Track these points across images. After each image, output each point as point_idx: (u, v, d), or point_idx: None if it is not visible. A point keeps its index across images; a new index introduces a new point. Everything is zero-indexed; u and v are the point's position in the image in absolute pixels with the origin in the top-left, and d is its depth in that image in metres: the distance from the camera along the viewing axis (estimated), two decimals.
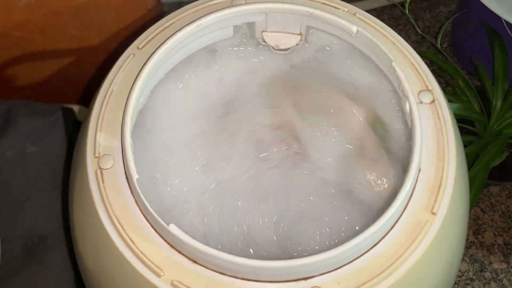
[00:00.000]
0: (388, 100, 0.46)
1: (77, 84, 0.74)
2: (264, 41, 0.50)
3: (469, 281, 0.75)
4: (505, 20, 0.74)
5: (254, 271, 0.35)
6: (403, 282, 0.36)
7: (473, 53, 0.83)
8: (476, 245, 0.77)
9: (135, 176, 0.37)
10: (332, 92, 0.51)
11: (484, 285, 0.74)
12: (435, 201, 0.39)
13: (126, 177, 0.39)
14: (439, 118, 0.42)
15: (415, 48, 0.47)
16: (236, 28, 0.48)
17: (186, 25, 0.44)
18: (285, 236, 0.46)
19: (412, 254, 0.37)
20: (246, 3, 0.46)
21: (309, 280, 0.36)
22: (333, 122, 0.51)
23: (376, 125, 0.48)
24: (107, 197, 0.38)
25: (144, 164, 0.43)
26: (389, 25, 0.48)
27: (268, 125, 0.54)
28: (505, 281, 0.74)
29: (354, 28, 0.44)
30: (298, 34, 0.49)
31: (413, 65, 0.45)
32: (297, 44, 0.50)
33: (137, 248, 0.36)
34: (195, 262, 0.36)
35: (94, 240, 0.40)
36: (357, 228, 0.45)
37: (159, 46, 0.43)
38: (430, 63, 0.76)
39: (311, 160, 0.52)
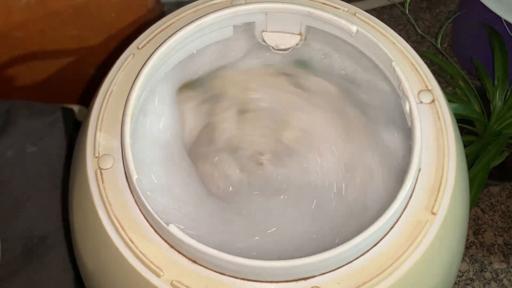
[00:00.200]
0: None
1: (77, 84, 0.74)
2: (264, 41, 0.50)
3: (469, 281, 0.75)
4: (505, 20, 0.74)
5: (254, 271, 0.35)
6: (403, 282, 0.36)
7: (473, 53, 0.83)
8: (476, 245, 0.77)
9: (135, 176, 0.37)
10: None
11: (484, 285, 0.74)
12: (435, 201, 0.39)
13: (126, 177, 0.39)
14: (439, 118, 0.42)
15: (415, 48, 0.47)
16: None
17: (186, 25, 0.44)
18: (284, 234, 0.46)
19: (412, 254, 0.37)
20: (246, 3, 0.46)
21: (309, 280, 0.36)
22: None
23: None
24: (107, 197, 0.38)
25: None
26: (389, 25, 0.48)
27: None
28: (505, 281, 0.74)
29: (354, 28, 0.44)
30: (298, 34, 0.49)
31: (413, 65, 0.45)
32: (297, 44, 0.50)
33: (137, 248, 0.36)
34: (195, 262, 0.36)
35: (94, 240, 0.40)
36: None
37: (159, 46, 0.43)
38: (430, 63, 0.76)
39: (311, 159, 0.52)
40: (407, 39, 0.96)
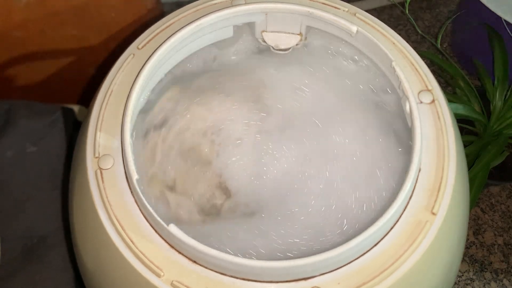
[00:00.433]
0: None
1: (77, 84, 0.74)
2: (264, 41, 0.50)
3: (469, 281, 0.75)
4: (505, 20, 0.74)
5: (254, 271, 0.35)
6: (403, 282, 0.36)
7: (473, 53, 0.83)
8: (476, 245, 0.77)
9: (135, 176, 0.37)
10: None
11: (484, 285, 0.74)
12: (435, 201, 0.39)
13: (126, 177, 0.39)
14: (439, 118, 0.42)
15: (415, 48, 0.47)
16: None
17: (186, 25, 0.44)
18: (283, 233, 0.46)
19: (412, 254, 0.37)
20: (246, 3, 0.46)
21: (309, 280, 0.36)
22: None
23: None
24: (107, 197, 0.38)
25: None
26: (389, 25, 0.48)
27: None
28: (505, 281, 0.74)
29: (354, 28, 0.44)
30: (298, 34, 0.49)
31: (413, 65, 0.45)
32: (297, 44, 0.50)
33: (137, 248, 0.36)
34: (195, 262, 0.36)
35: (94, 240, 0.40)
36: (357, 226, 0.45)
37: (159, 46, 0.43)
38: (430, 63, 0.76)
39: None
40: (407, 39, 0.96)
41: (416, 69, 0.45)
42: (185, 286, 0.35)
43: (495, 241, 0.78)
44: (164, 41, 0.43)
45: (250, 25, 0.49)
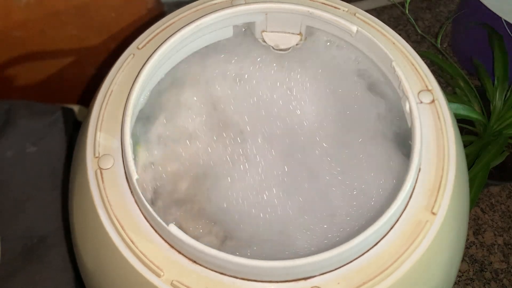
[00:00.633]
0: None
1: (77, 84, 0.74)
2: (264, 41, 0.50)
3: (469, 281, 0.75)
4: (505, 20, 0.74)
5: (254, 271, 0.35)
6: (403, 282, 0.36)
7: (473, 53, 0.83)
8: (476, 245, 0.77)
9: (135, 176, 0.37)
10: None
11: (484, 285, 0.74)
12: (435, 201, 0.39)
13: (126, 177, 0.39)
14: (439, 118, 0.42)
15: (415, 48, 0.47)
16: None
17: (186, 25, 0.44)
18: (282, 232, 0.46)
19: (412, 254, 0.37)
20: (246, 3, 0.46)
21: (309, 280, 0.36)
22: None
23: None
24: (107, 197, 0.38)
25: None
26: (389, 25, 0.48)
27: None
28: (505, 281, 0.74)
29: (354, 28, 0.44)
30: (298, 34, 0.49)
31: (413, 65, 0.45)
32: (297, 44, 0.50)
33: (137, 248, 0.36)
34: (195, 262, 0.36)
35: (94, 240, 0.40)
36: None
37: (159, 46, 0.43)
38: (430, 63, 0.76)
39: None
40: (407, 39, 0.96)
41: (416, 69, 0.45)
42: (185, 286, 0.35)
43: (495, 241, 0.78)
44: (164, 41, 0.43)
45: (250, 25, 0.49)
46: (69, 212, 0.45)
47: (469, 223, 0.57)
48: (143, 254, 0.36)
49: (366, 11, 0.48)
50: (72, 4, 0.62)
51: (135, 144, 0.46)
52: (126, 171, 0.39)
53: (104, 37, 0.68)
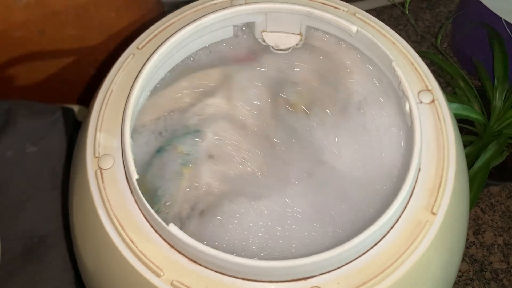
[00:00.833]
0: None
1: (77, 84, 0.74)
2: (264, 41, 0.50)
3: (469, 281, 0.75)
4: (505, 20, 0.74)
5: (254, 271, 0.35)
6: (403, 282, 0.36)
7: (473, 53, 0.83)
8: (476, 245, 0.77)
9: (135, 176, 0.37)
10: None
11: (484, 285, 0.74)
12: (435, 201, 0.39)
13: (126, 177, 0.39)
14: (439, 118, 0.42)
15: (415, 48, 0.47)
16: None
17: (186, 25, 0.44)
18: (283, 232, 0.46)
19: (412, 254, 0.37)
20: (246, 3, 0.46)
21: (309, 280, 0.36)
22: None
23: None
24: (107, 197, 0.38)
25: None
26: (389, 25, 0.48)
27: None
28: (505, 281, 0.74)
29: (354, 28, 0.44)
30: (298, 34, 0.49)
31: (413, 65, 0.45)
32: (297, 44, 0.50)
33: (137, 248, 0.36)
34: (195, 262, 0.36)
35: (94, 240, 0.40)
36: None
37: (159, 46, 0.43)
38: (430, 63, 0.76)
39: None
40: (407, 39, 0.96)
41: (416, 69, 0.45)
42: (185, 286, 0.35)
43: (495, 241, 0.78)
44: (164, 41, 0.43)
45: (250, 25, 0.49)
46: (69, 212, 0.45)
47: (469, 223, 0.57)
48: (143, 254, 0.36)
49: (366, 11, 0.48)
50: (72, 4, 0.62)
51: (184, 164, 0.45)
52: (126, 171, 0.39)
53: (104, 37, 0.68)
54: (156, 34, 0.46)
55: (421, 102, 0.43)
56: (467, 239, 0.78)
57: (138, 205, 0.38)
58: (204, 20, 0.44)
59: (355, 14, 0.47)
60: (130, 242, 0.37)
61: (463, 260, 0.76)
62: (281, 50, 0.50)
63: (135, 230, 0.37)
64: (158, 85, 0.48)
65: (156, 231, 0.37)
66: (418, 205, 0.39)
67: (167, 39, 0.43)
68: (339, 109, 0.50)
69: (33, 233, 0.54)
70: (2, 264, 0.52)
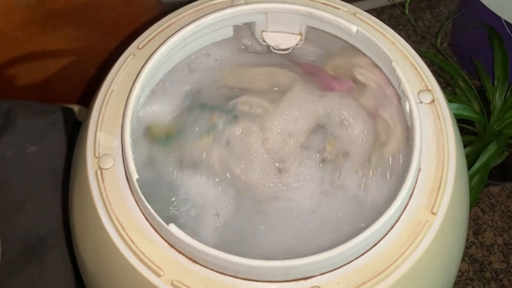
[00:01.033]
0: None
1: (77, 84, 0.74)
2: (264, 41, 0.50)
3: (469, 281, 0.75)
4: (505, 20, 0.74)
5: (254, 271, 0.35)
6: (403, 282, 0.36)
7: (473, 53, 0.83)
8: (476, 245, 0.77)
9: (135, 176, 0.37)
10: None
11: (484, 285, 0.74)
12: (435, 201, 0.39)
13: (126, 177, 0.39)
14: (439, 118, 0.42)
15: (415, 48, 0.47)
16: None
17: (186, 25, 0.44)
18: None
19: (412, 254, 0.37)
20: (246, 3, 0.46)
21: (309, 280, 0.36)
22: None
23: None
24: (107, 197, 0.38)
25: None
26: (389, 25, 0.48)
27: None
28: (505, 281, 0.74)
29: (354, 28, 0.44)
30: (298, 34, 0.49)
31: (413, 65, 0.45)
32: (297, 44, 0.50)
33: (137, 248, 0.36)
34: (195, 262, 0.36)
35: (94, 240, 0.40)
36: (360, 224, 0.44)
37: (159, 46, 0.43)
38: (430, 63, 0.76)
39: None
40: (407, 39, 0.96)
41: (416, 69, 0.45)
42: (185, 285, 0.35)
43: (495, 241, 0.78)
44: (164, 41, 0.43)
45: (250, 25, 0.49)
46: (69, 212, 0.45)
47: (469, 223, 0.57)
48: (143, 254, 0.36)
49: (366, 11, 0.48)
50: (72, 4, 0.62)
51: (207, 131, 0.47)
52: (126, 171, 0.39)
53: (104, 37, 0.68)
54: (156, 34, 0.46)
55: (421, 102, 0.43)
56: (467, 239, 0.77)
57: (138, 205, 0.38)
58: (204, 20, 0.44)
59: (355, 14, 0.47)
60: (130, 242, 0.37)
61: (463, 260, 0.76)
62: (281, 50, 0.50)
63: (135, 230, 0.37)
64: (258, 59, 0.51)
65: (156, 231, 0.37)
66: (418, 205, 0.39)
67: (167, 39, 0.43)
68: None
69: (33, 233, 0.54)
70: (2, 264, 0.52)
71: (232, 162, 0.49)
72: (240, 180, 0.49)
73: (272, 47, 0.50)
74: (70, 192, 0.45)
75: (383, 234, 0.37)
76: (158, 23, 0.48)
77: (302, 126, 0.50)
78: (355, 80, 0.49)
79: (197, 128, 0.49)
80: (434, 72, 0.47)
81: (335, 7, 0.48)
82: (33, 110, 0.60)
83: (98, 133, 0.41)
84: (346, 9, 0.48)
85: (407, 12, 0.76)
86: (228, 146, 0.50)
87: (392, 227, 0.37)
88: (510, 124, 0.70)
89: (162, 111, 0.49)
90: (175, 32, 0.44)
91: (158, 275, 0.36)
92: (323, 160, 0.49)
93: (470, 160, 0.67)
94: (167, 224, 0.35)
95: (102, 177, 0.39)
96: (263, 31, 0.49)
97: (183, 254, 0.36)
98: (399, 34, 0.47)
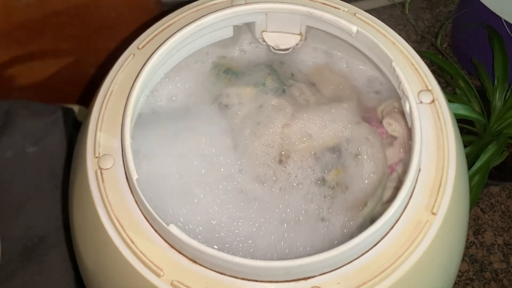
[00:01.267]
0: None
1: (77, 84, 0.74)
2: (264, 41, 0.50)
3: (469, 281, 0.75)
4: (505, 20, 0.74)
5: (254, 271, 0.35)
6: (403, 282, 0.36)
7: (473, 53, 0.83)
8: (476, 245, 0.77)
9: (135, 176, 0.37)
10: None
11: (484, 285, 0.74)
12: (435, 201, 0.39)
13: (126, 177, 0.39)
14: (439, 118, 0.42)
15: (415, 48, 0.47)
16: None
17: (186, 25, 0.44)
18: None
19: (412, 254, 0.37)
20: (246, 3, 0.46)
21: (309, 280, 0.36)
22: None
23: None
24: (107, 197, 0.38)
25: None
26: (389, 25, 0.48)
27: None
28: (505, 281, 0.74)
29: (354, 28, 0.44)
30: (298, 34, 0.49)
31: (413, 65, 0.45)
32: (297, 44, 0.50)
33: (137, 248, 0.36)
34: (195, 262, 0.36)
35: (94, 240, 0.40)
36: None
37: (159, 46, 0.43)
38: (430, 63, 0.76)
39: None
40: (407, 39, 0.96)
41: (416, 69, 0.45)
42: (185, 286, 0.35)
43: (495, 241, 0.78)
44: (164, 41, 0.43)
45: (250, 25, 0.49)
46: (69, 212, 0.45)
47: (469, 223, 0.57)
48: (143, 254, 0.36)
49: (366, 11, 0.48)
50: (72, 4, 0.62)
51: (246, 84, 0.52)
52: (126, 171, 0.39)
53: (104, 37, 0.68)
54: (156, 34, 0.46)
55: (421, 102, 0.43)
56: (467, 239, 0.77)
57: (138, 205, 0.38)
58: (204, 20, 0.44)
59: (355, 14, 0.47)
60: (130, 242, 0.37)
61: (463, 260, 0.76)
62: (281, 50, 0.50)
63: (135, 230, 0.37)
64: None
65: (156, 231, 0.37)
66: (418, 205, 0.38)
67: (167, 39, 0.43)
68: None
69: (33, 233, 0.54)
70: (2, 264, 0.52)
71: (249, 125, 0.51)
72: (243, 150, 0.50)
73: (272, 47, 0.50)
74: (70, 192, 0.45)
75: (383, 234, 0.37)
76: (158, 23, 0.48)
77: (324, 136, 0.51)
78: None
79: (251, 77, 0.53)
80: (434, 72, 0.47)
81: (335, 7, 0.48)
82: (33, 110, 0.60)
83: (98, 133, 0.41)
84: (346, 9, 0.48)
85: (407, 12, 0.76)
86: (258, 109, 0.52)
87: (392, 227, 0.37)
88: (510, 124, 0.70)
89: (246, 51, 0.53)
90: (175, 32, 0.44)
91: (158, 275, 0.36)
92: (323, 180, 0.49)
93: (470, 160, 0.67)
94: (167, 224, 0.35)
95: (102, 177, 0.39)
96: (263, 31, 0.49)
97: (183, 254, 0.36)
98: (399, 34, 0.47)
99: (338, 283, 0.36)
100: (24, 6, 0.60)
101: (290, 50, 0.50)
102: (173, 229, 0.35)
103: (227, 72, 0.53)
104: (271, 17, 0.47)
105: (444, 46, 0.96)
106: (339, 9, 0.48)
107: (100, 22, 0.66)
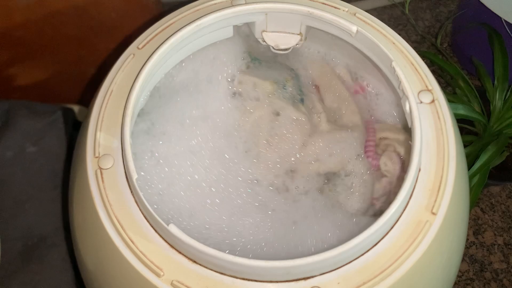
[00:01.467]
0: None
1: (77, 84, 0.74)
2: (264, 41, 0.50)
3: (469, 281, 0.75)
4: (505, 20, 0.74)
5: (254, 271, 0.35)
6: (403, 282, 0.36)
7: (473, 53, 0.83)
8: (476, 245, 0.77)
9: (135, 176, 0.37)
10: None
11: (484, 285, 0.74)
12: (435, 201, 0.39)
13: (126, 177, 0.39)
14: (439, 118, 0.42)
15: (415, 48, 0.47)
16: None
17: (186, 25, 0.44)
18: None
19: (412, 254, 0.37)
20: (246, 3, 0.46)
21: (309, 280, 0.36)
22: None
23: None
24: (107, 197, 0.38)
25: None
26: (389, 25, 0.48)
27: None
28: (505, 281, 0.74)
29: (354, 28, 0.44)
30: (298, 34, 0.49)
31: (413, 65, 0.45)
32: (297, 44, 0.50)
33: (137, 248, 0.36)
34: (195, 262, 0.36)
35: (94, 240, 0.40)
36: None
37: (159, 46, 0.43)
38: (430, 63, 0.76)
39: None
40: (407, 39, 0.96)
41: (416, 69, 0.45)
42: (185, 286, 0.35)
43: (495, 241, 0.78)
44: (164, 41, 0.43)
45: (250, 25, 0.49)
46: (69, 212, 0.45)
47: (469, 223, 0.57)
48: (143, 254, 0.36)
49: (366, 11, 0.48)
50: (72, 4, 0.62)
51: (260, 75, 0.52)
52: (126, 171, 0.39)
53: (104, 37, 0.68)
54: (156, 34, 0.46)
55: (421, 102, 0.43)
56: (467, 239, 0.77)
57: (138, 205, 0.38)
58: (204, 20, 0.44)
59: (355, 14, 0.47)
60: (130, 242, 0.37)
61: (463, 260, 0.76)
62: (281, 50, 0.50)
63: (135, 230, 0.37)
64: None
65: (156, 231, 0.37)
66: (418, 205, 0.38)
67: (167, 39, 0.43)
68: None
69: (33, 233, 0.54)
70: (2, 264, 0.52)
71: (265, 132, 0.51)
72: (256, 156, 0.51)
73: (272, 47, 0.50)
74: (70, 192, 0.45)
75: (383, 234, 0.37)
76: (158, 23, 0.48)
77: (330, 163, 0.52)
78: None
79: (271, 72, 0.53)
80: (434, 72, 0.47)
81: (335, 7, 0.48)
82: (33, 110, 0.60)
83: (98, 133, 0.41)
84: (346, 9, 0.48)
85: (407, 12, 0.76)
86: (275, 117, 0.52)
87: (392, 227, 0.37)
88: (510, 124, 0.70)
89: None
90: (175, 32, 0.44)
91: (158, 275, 0.36)
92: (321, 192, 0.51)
93: (470, 160, 0.67)
94: (167, 224, 0.35)
95: (102, 177, 0.39)
96: (263, 31, 0.49)
97: (183, 254, 0.36)
98: (399, 34, 0.47)
99: (338, 283, 0.36)
100: (24, 6, 0.60)
101: (290, 50, 0.50)
102: (173, 229, 0.35)
103: (250, 55, 0.53)
104: (271, 17, 0.47)
105: (444, 46, 0.96)
106: (339, 9, 0.48)
107: (100, 22, 0.66)
